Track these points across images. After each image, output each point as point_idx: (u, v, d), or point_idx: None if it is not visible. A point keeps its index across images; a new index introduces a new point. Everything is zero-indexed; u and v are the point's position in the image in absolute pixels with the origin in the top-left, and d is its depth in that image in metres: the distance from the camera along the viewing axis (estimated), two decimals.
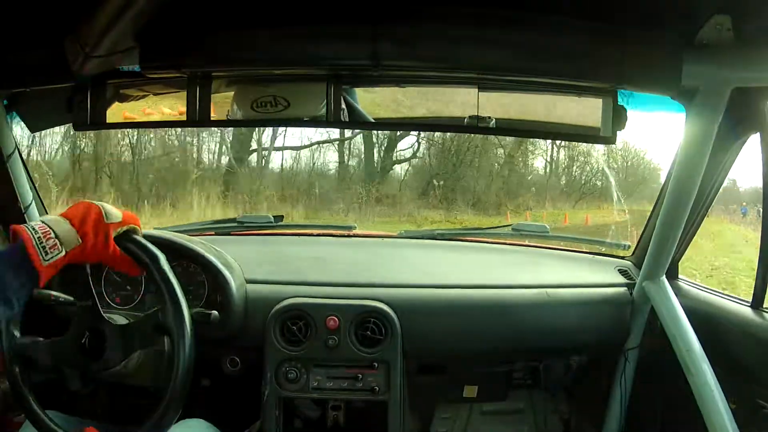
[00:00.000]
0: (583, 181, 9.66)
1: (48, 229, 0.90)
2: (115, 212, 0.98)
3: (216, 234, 1.69)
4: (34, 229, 0.90)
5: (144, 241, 1.02)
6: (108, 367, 1.02)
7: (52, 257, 0.90)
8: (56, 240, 0.90)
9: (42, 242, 0.89)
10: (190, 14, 0.97)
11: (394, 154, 8.79)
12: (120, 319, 1.10)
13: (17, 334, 1.05)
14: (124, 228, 1.00)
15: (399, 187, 8.73)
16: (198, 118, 1.08)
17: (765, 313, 1.21)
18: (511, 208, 8.42)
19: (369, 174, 8.62)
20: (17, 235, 0.89)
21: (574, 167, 9.67)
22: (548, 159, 9.48)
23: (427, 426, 1.67)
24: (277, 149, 8.41)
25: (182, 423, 1.11)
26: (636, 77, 1.01)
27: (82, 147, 7.67)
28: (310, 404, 1.44)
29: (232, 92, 1.13)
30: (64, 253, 0.91)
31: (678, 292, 1.43)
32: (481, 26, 0.98)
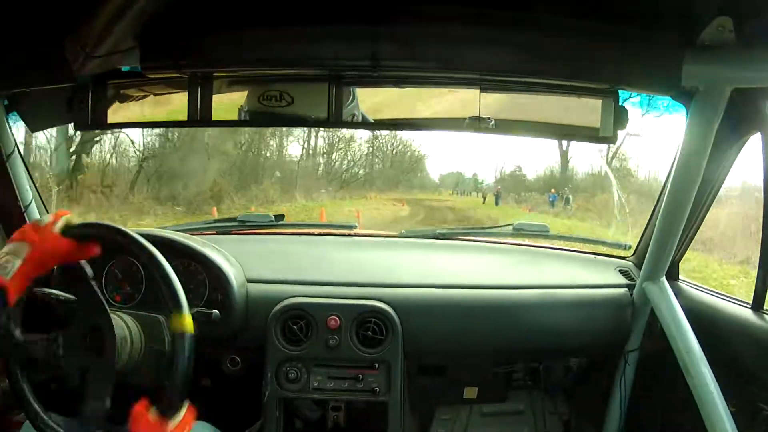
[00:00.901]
0: (344, 168, 9.53)
1: None
2: (44, 216, 1.02)
3: (217, 233, 1.69)
4: None
5: (85, 221, 1.02)
6: (108, 366, 1.02)
7: (11, 269, 0.93)
8: (7, 255, 0.94)
9: None
10: (190, 14, 0.97)
11: None
12: (120, 318, 1.10)
13: (17, 332, 1.05)
14: (61, 221, 1.00)
15: None
16: (199, 118, 1.08)
17: (765, 315, 1.21)
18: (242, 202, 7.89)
19: None
20: None
21: (334, 153, 9.44)
22: (305, 144, 9.28)
23: (427, 427, 1.67)
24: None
25: None
26: (636, 77, 1.01)
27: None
28: (311, 405, 1.44)
29: (233, 92, 1.13)
30: (21, 260, 0.94)
31: (678, 293, 1.42)
32: (481, 27, 0.98)
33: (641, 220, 1.59)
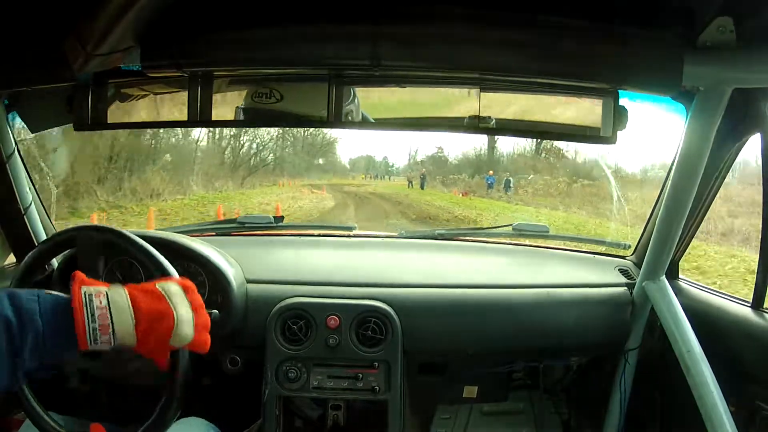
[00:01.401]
0: (252, 153, 8.83)
1: (107, 313, 0.76)
2: (187, 333, 0.82)
3: (217, 234, 1.69)
4: (91, 302, 0.75)
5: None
6: (108, 366, 1.02)
7: (97, 346, 0.76)
8: (110, 333, 0.76)
9: (94, 323, 0.75)
10: (191, 14, 0.97)
11: None
12: None
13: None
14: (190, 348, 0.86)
15: None
16: (199, 117, 1.08)
17: (765, 314, 1.21)
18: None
19: None
20: (72, 304, 0.75)
21: (243, 137, 8.71)
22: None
23: (427, 426, 1.67)
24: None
25: (182, 422, 1.11)
26: (637, 78, 1.01)
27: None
28: (311, 404, 1.44)
29: (233, 92, 1.13)
30: (112, 346, 0.77)
31: (678, 292, 1.43)
32: (481, 27, 0.98)
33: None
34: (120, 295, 0.78)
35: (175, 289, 0.83)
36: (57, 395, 1.17)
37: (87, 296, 0.76)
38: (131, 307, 0.77)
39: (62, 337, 0.74)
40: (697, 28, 0.93)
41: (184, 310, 0.82)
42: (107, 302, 0.76)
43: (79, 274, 0.79)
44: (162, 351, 0.82)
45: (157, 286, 0.82)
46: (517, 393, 1.70)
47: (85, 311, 0.75)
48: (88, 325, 0.74)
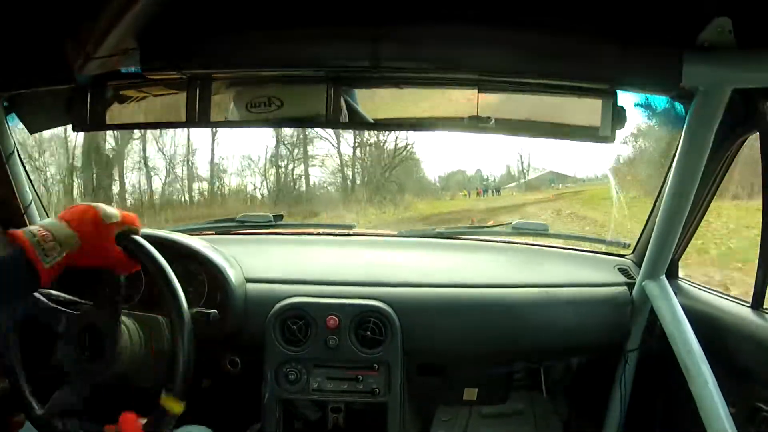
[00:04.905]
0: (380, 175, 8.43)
1: (46, 231, 0.90)
2: (113, 212, 0.97)
3: (216, 233, 1.69)
4: (32, 232, 0.89)
5: (143, 240, 1.02)
6: (108, 366, 1.02)
7: (52, 259, 0.89)
8: (55, 242, 0.90)
9: (41, 245, 0.88)
10: (190, 16, 0.97)
11: None
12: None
13: (17, 332, 1.05)
14: (124, 228, 0.99)
15: None
16: (198, 119, 1.08)
17: (765, 314, 1.21)
18: None
19: None
20: (15, 240, 0.88)
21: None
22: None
23: (427, 428, 1.67)
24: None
25: (183, 429, 1.12)
26: (636, 78, 1.02)
27: None
28: (311, 406, 1.44)
29: (232, 93, 1.13)
30: (64, 254, 0.91)
31: (678, 291, 1.43)
32: (481, 28, 0.98)
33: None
34: (47, 219, 0.96)
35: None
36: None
37: (26, 231, 0.89)
38: (59, 219, 0.94)
39: (20, 271, 0.87)
40: (696, 28, 0.93)
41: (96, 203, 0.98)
42: (40, 225, 0.92)
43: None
44: (107, 239, 0.96)
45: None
46: (517, 394, 1.69)
47: (26, 235, 0.88)
48: (33, 241, 0.88)
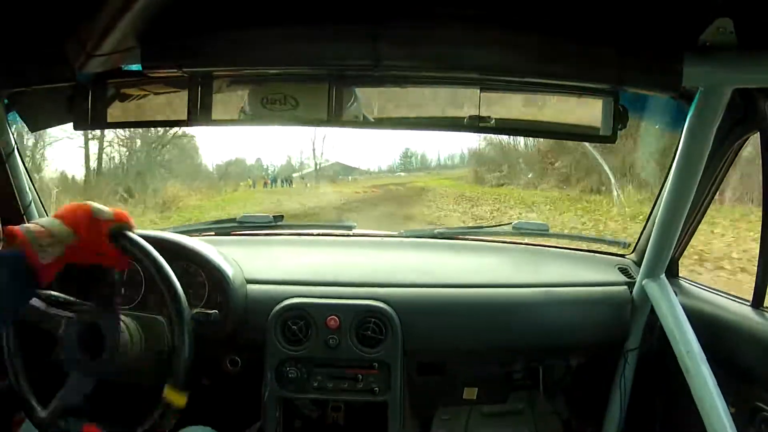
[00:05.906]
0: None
1: (42, 228, 0.92)
2: (105, 210, 0.99)
3: (216, 234, 1.69)
4: (28, 229, 0.91)
5: (137, 237, 1.02)
6: (108, 366, 1.02)
7: (49, 255, 0.91)
8: (52, 239, 0.92)
9: (38, 241, 0.90)
10: (191, 14, 0.97)
11: None
12: (121, 320, 1.10)
13: (18, 332, 1.05)
14: (117, 225, 1.00)
15: None
16: (199, 117, 1.08)
17: (765, 313, 1.21)
18: None
19: None
20: (13, 237, 0.90)
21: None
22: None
23: (426, 428, 1.67)
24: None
25: (184, 429, 1.12)
26: (637, 78, 1.02)
27: None
28: (311, 405, 1.44)
29: (233, 92, 1.13)
30: (61, 250, 0.93)
31: (678, 290, 1.43)
32: (482, 27, 0.98)
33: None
34: (42, 218, 1.00)
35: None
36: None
37: (23, 228, 0.91)
38: (54, 217, 0.96)
39: (20, 268, 0.88)
40: (697, 28, 0.93)
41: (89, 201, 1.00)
42: (36, 222, 0.93)
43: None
44: (100, 235, 0.97)
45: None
46: (517, 394, 1.69)
47: (23, 231, 0.90)
48: (30, 237, 0.89)
